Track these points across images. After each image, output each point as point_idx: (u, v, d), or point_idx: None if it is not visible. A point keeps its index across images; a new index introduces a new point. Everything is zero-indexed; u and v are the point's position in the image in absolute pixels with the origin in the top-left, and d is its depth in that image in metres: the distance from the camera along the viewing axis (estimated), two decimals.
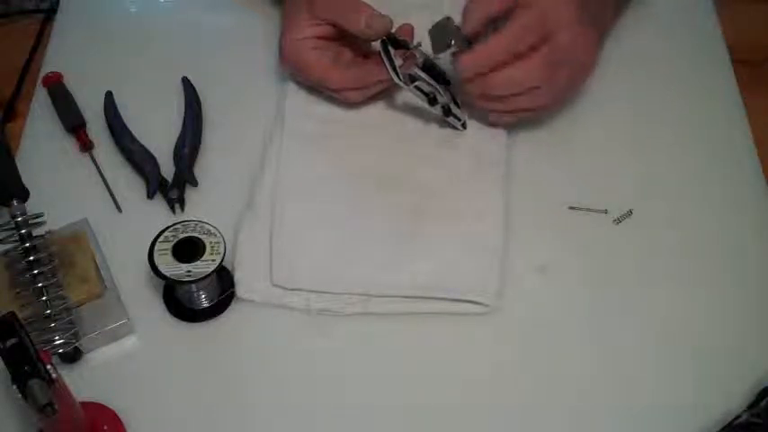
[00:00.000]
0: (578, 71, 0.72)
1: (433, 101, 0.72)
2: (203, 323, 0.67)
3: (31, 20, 0.90)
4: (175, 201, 0.73)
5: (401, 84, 0.71)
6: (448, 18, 0.70)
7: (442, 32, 0.70)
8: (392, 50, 0.71)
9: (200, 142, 0.77)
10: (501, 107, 0.72)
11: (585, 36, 0.69)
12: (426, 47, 0.72)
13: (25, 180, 0.69)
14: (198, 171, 0.75)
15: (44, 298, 0.64)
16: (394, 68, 0.70)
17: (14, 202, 0.67)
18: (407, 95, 0.74)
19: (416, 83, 0.71)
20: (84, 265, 0.67)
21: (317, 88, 0.76)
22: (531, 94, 0.70)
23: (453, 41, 0.69)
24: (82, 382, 0.61)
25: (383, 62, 0.70)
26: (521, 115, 0.74)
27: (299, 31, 0.73)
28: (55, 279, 0.65)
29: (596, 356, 0.65)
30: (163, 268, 0.62)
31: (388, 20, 0.69)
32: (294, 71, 0.76)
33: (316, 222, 0.70)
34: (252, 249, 0.69)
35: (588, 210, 0.72)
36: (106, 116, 0.78)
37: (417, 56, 0.71)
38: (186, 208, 0.73)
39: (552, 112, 0.76)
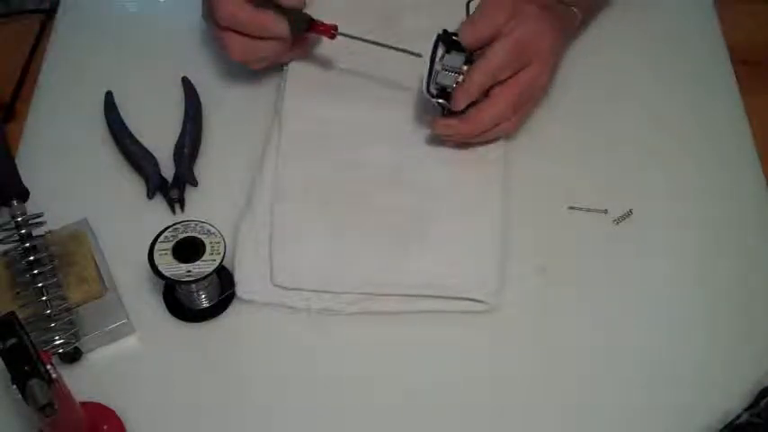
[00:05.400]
0: (538, 94, 0.73)
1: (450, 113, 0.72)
2: (203, 323, 0.67)
3: (31, 20, 0.90)
4: (175, 201, 0.73)
5: (426, 94, 0.69)
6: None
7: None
8: (441, 50, 0.69)
9: (200, 142, 0.77)
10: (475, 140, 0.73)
11: (555, 64, 0.71)
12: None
13: (25, 180, 0.69)
14: (198, 171, 0.75)
15: (44, 298, 0.64)
16: (431, 70, 0.68)
17: (14, 202, 0.67)
18: (407, 96, 0.74)
19: (441, 100, 0.69)
20: (84, 265, 0.67)
21: (210, 30, 0.74)
22: (499, 128, 0.72)
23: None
24: (82, 382, 0.61)
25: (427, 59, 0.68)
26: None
27: None
28: (55, 279, 0.65)
29: (596, 356, 0.65)
30: (163, 268, 0.62)
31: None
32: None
33: (315, 222, 0.70)
34: (252, 249, 0.69)
35: (588, 210, 0.72)
36: (106, 116, 0.78)
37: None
38: (186, 208, 0.73)
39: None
